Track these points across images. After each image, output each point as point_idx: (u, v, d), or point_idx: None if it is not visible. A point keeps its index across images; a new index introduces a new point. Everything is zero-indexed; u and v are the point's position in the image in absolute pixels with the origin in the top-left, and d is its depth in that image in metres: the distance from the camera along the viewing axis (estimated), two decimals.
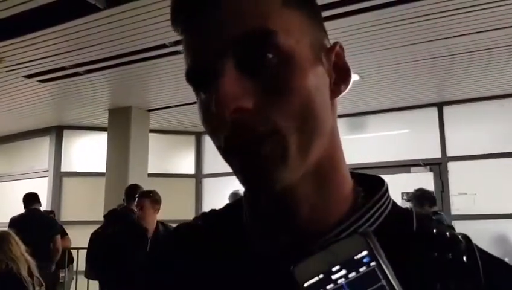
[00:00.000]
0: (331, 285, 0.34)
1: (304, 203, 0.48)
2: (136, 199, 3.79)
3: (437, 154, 5.94)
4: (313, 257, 0.35)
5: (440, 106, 6.02)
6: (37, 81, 4.95)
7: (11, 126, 6.98)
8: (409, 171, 5.93)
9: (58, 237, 4.79)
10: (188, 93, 5.42)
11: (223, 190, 6.83)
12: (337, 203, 0.50)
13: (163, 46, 4.10)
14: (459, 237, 0.48)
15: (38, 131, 7.22)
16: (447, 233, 0.49)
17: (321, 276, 0.34)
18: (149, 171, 6.34)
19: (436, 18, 3.61)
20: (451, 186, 5.80)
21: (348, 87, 0.50)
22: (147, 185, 5.52)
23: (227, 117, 0.42)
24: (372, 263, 0.34)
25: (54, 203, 6.69)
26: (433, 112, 6.05)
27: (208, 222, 0.59)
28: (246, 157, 0.44)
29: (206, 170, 7.57)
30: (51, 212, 5.76)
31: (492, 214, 5.44)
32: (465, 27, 3.78)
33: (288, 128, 0.44)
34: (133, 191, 4.25)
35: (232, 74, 0.43)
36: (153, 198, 3.71)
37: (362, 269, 0.34)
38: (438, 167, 5.93)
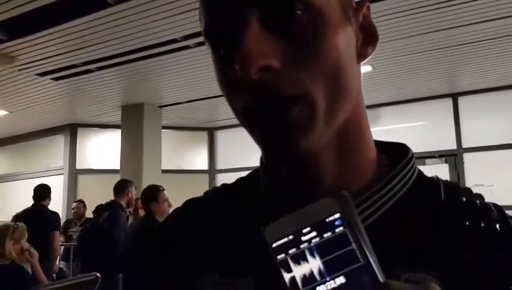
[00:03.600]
0: (300, 246, 0.33)
1: (327, 170, 0.46)
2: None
3: (452, 145, 5.87)
4: (284, 218, 0.34)
5: (455, 96, 5.93)
6: (50, 79, 4.99)
7: (26, 125, 7.06)
8: (424, 164, 5.86)
9: (56, 233, 4.74)
10: (200, 89, 5.42)
11: None
12: (361, 171, 0.48)
13: (174, 40, 4.09)
14: (491, 205, 0.46)
15: (52, 129, 7.30)
16: (478, 201, 0.47)
17: (291, 237, 0.33)
18: (162, 168, 6.36)
19: (449, 6, 3.54)
20: (468, 178, 5.72)
21: (375, 50, 0.48)
22: (160, 181, 5.55)
23: (252, 76, 0.39)
24: (344, 227, 0.32)
25: (69, 200, 6.76)
26: (448, 102, 5.97)
27: (219, 197, 0.57)
28: (270, 121, 0.41)
29: (220, 165, 7.58)
30: (80, 201, 5.80)
31: (510, 205, 5.35)
32: (478, 15, 3.71)
33: (317, 91, 0.41)
34: (120, 186, 4.37)
35: (256, 29, 0.40)
36: None
37: (333, 232, 0.33)
38: (454, 158, 5.85)
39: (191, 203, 0.59)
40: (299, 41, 0.41)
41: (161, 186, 3.86)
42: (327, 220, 0.33)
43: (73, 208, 5.81)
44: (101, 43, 4.08)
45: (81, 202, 5.81)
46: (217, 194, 0.58)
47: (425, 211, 0.45)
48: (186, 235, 0.54)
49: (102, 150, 7.20)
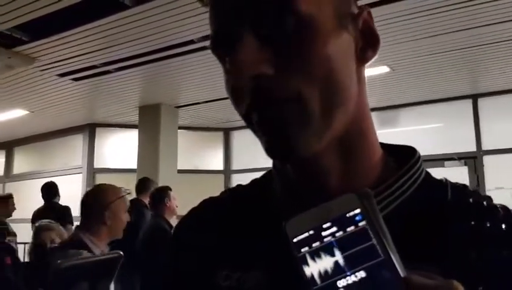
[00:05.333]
0: (321, 241, 0.33)
1: (332, 172, 0.48)
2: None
3: (472, 147, 5.77)
4: (305, 213, 0.35)
5: (475, 98, 5.83)
6: (70, 79, 5.07)
7: (46, 124, 7.18)
8: (442, 166, 5.78)
9: (70, 226, 4.72)
10: (216, 90, 5.44)
11: None
12: (367, 172, 0.49)
13: (191, 42, 4.13)
14: (498, 206, 0.47)
15: (72, 129, 7.42)
16: (484, 202, 0.47)
17: (311, 232, 0.34)
18: (178, 168, 6.41)
19: (468, 6, 3.49)
20: (487, 180, 5.62)
21: (377, 54, 0.49)
22: (176, 181, 5.59)
23: (245, 84, 0.42)
24: (364, 222, 0.33)
25: None
26: (468, 104, 5.87)
27: (235, 196, 0.58)
28: (268, 123, 0.44)
29: (235, 165, 7.60)
30: (168, 188, 5.82)
31: None
32: (500, 14, 3.64)
33: (311, 94, 0.43)
34: (143, 184, 4.43)
35: (250, 40, 0.43)
36: None
37: (353, 227, 0.33)
38: (473, 161, 5.76)
39: (207, 202, 0.61)
40: (290, 48, 0.43)
41: (169, 187, 3.91)
42: (348, 215, 0.33)
43: None
44: (120, 44, 4.13)
45: None
46: (233, 193, 0.60)
47: (432, 211, 0.46)
48: (201, 233, 0.56)
49: (120, 149, 7.28)
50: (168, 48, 4.26)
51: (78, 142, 7.47)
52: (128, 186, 4.54)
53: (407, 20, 3.70)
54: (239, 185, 0.61)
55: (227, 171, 7.61)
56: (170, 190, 3.81)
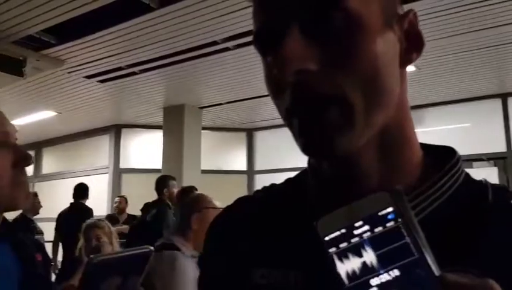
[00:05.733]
0: (353, 240, 0.33)
1: (370, 171, 0.47)
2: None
3: (502, 148, 5.62)
4: (337, 212, 0.35)
5: (504, 97, 5.69)
6: (97, 81, 5.17)
7: (74, 125, 7.34)
8: (471, 167, 5.64)
9: None
10: (239, 90, 5.46)
11: None
12: (406, 173, 0.48)
13: (215, 43, 4.15)
14: None
15: (98, 130, 7.57)
16: None
17: (343, 231, 0.34)
18: (202, 168, 6.45)
19: (495, 3, 3.40)
20: None
21: (420, 56, 0.49)
22: (200, 181, 5.63)
23: (290, 78, 0.41)
24: (398, 220, 0.33)
25: (114, 198, 6.97)
26: (497, 103, 5.73)
27: (269, 195, 0.59)
28: (308, 120, 0.43)
29: (258, 166, 7.60)
30: (123, 197, 6.01)
31: None
32: None
33: (355, 94, 0.42)
34: (159, 184, 4.52)
35: (296, 35, 0.42)
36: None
37: (386, 226, 0.33)
38: (503, 161, 5.61)
39: (241, 201, 0.62)
40: (336, 45, 0.43)
41: (194, 187, 3.95)
42: (380, 214, 0.33)
43: (115, 203, 6.01)
44: (145, 46, 4.19)
45: (123, 197, 6.00)
46: (267, 192, 0.60)
47: (472, 213, 0.45)
48: (236, 231, 0.56)
49: (145, 150, 7.38)
50: (192, 49, 4.30)
51: (104, 143, 7.61)
52: (153, 186, 4.62)
53: (434, 18, 3.63)
54: (273, 184, 0.61)
55: (251, 172, 7.62)
56: (196, 190, 3.85)
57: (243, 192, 7.38)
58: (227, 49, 4.27)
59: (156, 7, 3.46)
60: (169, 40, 4.08)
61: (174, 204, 4.42)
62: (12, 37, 3.87)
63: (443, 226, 0.43)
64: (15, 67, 4.10)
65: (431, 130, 6.06)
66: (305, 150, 0.45)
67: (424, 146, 0.52)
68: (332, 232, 0.34)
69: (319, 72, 0.42)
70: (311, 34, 0.43)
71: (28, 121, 6.41)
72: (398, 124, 0.48)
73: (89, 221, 2.75)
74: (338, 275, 0.33)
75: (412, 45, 0.48)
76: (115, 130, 7.43)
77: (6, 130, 0.94)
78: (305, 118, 0.43)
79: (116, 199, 6.09)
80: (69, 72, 4.85)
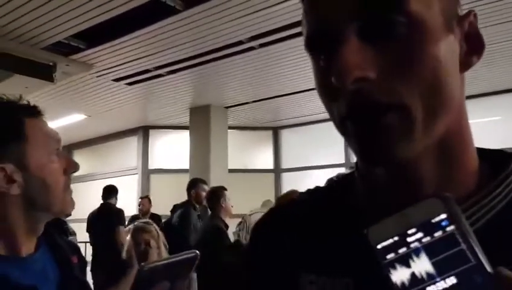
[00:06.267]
0: (406, 247, 0.33)
1: (426, 179, 0.46)
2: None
3: None
4: (388, 219, 0.34)
5: None
6: (125, 84, 5.26)
7: (103, 128, 7.50)
8: None
9: (120, 228, 4.83)
10: (265, 89, 5.46)
11: (301, 183, 6.81)
12: (462, 181, 0.47)
13: (240, 42, 4.16)
14: None
15: (126, 131, 7.71)
16: None
17: (396, 238, 0.33)
18: (229, 167, 6.49)
19: None
20: None
21: (480, 59, 0.46)
22: (227, 180, 5.66)
23: (348, 87, 0.40)
24: (451, 227, 0.32)
25: None
26: None
27: (315, 198, 0.57)
28: (366, 128, 0.42)
29: (284, 164, 7.59)
30: (146, 197, 6.11)
31: None
32: None
33: (415, 102, 0.41)
34: (189, 185, 4.58)
35: (354, 41, 0.40)
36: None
37: (440, 233, 0.32)
38: None
39: (285, 204, 0.61)
40: (397, 52, 0.41)
41: (224, 187, 3.97)
42: (433, 221, 0.33)
43: (139, 205, 6.10)
44: (171, 48, 4.24)
45: (147, 198, 6.08)
46: (312, 195, 0.59)
47: None
48: (282, 235, 0.56)
49: (173, 150, 7.47)
50: (217, 50, 4.33)
51: (132, 144, 7.74)
52: (181, 186, 4.69)
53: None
54: (318, 187, 0.60)
55: (278, 170, 7.61)
56: (225, 190, 3.87)
57: (270, 190, 7.38)
58: (252, 48, 4.27)
59: (181, 9, 3.49)
60: (195, 42, 4.11)
61: (200, 205, 4.49)
62: (41, 44, 3.98)
63: (499, 235, 0.42)
64: (45, 73, 4.20)
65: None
66: (362, 157, 0.44)
67: (480, 151, 0.50)
68: (385, 240, 0.34)
69: (378, 79, 0.40)
70: (369, 39, 0.41)
71: (59, 124, 6.56)
72: (457, 130, 0.46)
73: (137, 224, 2.72)
74: (392, 283, 0.33)
75: (473, 48, 0.46)
76: (143, 132, 7.55)
77: (59, 138, 0.99)
78: (362, 125, 0.42)
79: (139, 201, 6.17)
80: (97, 76, 4.95)
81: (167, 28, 3.82)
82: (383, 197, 0.48)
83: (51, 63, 4.21)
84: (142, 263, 0.89)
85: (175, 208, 4.64)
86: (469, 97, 5.75)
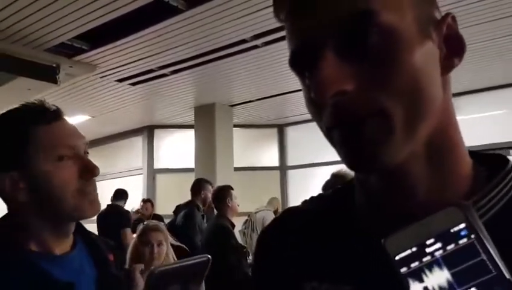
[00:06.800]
0: (425, 258, 0.32)
1: (418, 183, 0.46)
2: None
3: None
4: (406, 229, 0.34)
5: None
6: (128, 84, 5.27)
7: (107, 128, 7.51)
8: (508, 155, 5.45)
9: (126, 230, 4.88)
10: (269, 86, 5.45)
11: (307, 180, 6.80)
12: (456, 183, 0.47)
13: (243, 41, 4.16)
14: None
15: (131, 131, 7.72)
16: None
17: (414, 249, 0.33)
18: (235, 165, 6.49)
19: None
20: None
21: (462, 61, 0.47)
22: (233, 179, 5.66)
23: (327, 101, 0.42)
24: (471, 237, 0.32)
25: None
26: None
27: (318, 206, 0.59)
28: (348, 139, 0.43)
29: (290, 161, 7.58)
30: (229, 187, 6.06)
31: None
32: None
33: (394, 107, 0.42)
34: (196, 186, 4.54)
35: (331, 57, 0.42)
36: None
37: (459, 243, 0.32)
38: None
39: (290, 212, 0.62)
40: (373, 63, 0.42)
41: (230, 186, 3.95)
42: (452, 230, 0.32)
43: (141, 209, 6.05)
44: (174, 48, 4.24)
45: (149, 202, 6.05)
46: (316, 203, 0.60)
47: None
48: (286, 243, 0.57)
49: (178, 149, 7.48)
50: (221, 49, 4.32)
51: (137, 145, 7.75)
52: (186, 185, 4.69)
53: (467, 5, 3.51)
54: (321, 195, 0.62)
55: (283, 167, 7.61)
56: (232, 189, 3.86)
57: (276, 188, 7.39)
58: (255, 46, 4.27)
59: (184, 9, 3.49)
60: (198, 41, 4.11)
61: (205, 206, 4.48)
62: (45, 45, 3.98)
63: (497, 238, 0.42)
64: (49, 74, 4.20)
65: (465, 118, 5.87)
66: (349, 166, 0.46)
67: (473, 154, 0.51)
68: (403, 251, 0.33)
69: (356, 91, 0.42)
70: (346, 53, 0.42)
71: None
72: (444, 131, 0.47)
73: (147, 223, 2.68)
74: None
75: (453, 51, 0.46)
76: (148, 131, 7.56)
77: (71, 144, 0.99)
78: (343, 133, 0.44)
79: (141, 204, 6.12)
80: (101, 77, 4.96)
81: (170, 28, 3.82)
82: (378, 202, 0.49)
83: (54, 65, 4.22)
84: (153, 267, 0.89)
85: (178, 208, 4.63)
86: (473, 92, 5.76)
